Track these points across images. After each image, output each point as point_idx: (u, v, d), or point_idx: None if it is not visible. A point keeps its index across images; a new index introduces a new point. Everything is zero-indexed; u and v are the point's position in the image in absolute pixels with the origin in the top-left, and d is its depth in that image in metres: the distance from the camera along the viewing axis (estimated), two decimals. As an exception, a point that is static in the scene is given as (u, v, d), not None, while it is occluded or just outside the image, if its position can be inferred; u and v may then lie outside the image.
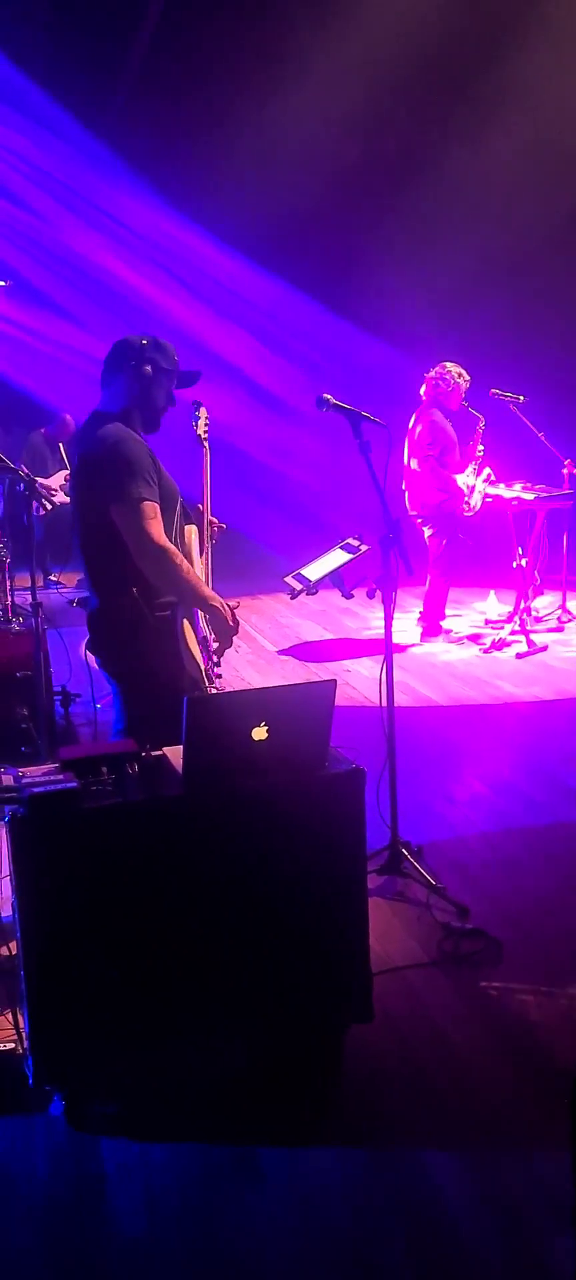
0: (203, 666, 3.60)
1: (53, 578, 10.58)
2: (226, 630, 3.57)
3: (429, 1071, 3.04)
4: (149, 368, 3.57)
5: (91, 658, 3.74)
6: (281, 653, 8.00)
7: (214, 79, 10.30)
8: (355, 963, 2.97)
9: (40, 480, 9.89)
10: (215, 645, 3.66)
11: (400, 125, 10.78)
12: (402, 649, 7.69)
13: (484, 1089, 2.97)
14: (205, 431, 3.93)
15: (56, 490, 10.44)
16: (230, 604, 3.58)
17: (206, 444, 3.90)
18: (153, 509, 3.42)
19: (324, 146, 10.44)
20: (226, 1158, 2.73)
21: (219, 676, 3.72)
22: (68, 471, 10.81)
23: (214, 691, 3.62)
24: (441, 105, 10.43)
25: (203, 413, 3.98)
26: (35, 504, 5.20)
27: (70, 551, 10.86)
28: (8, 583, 6.18)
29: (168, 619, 3.53)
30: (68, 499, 10.42)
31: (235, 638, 3.65)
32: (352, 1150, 2.76)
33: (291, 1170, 2.69)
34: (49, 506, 5.94)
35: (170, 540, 3.53)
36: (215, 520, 3.92)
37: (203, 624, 3.66)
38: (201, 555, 3.81)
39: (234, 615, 3.58)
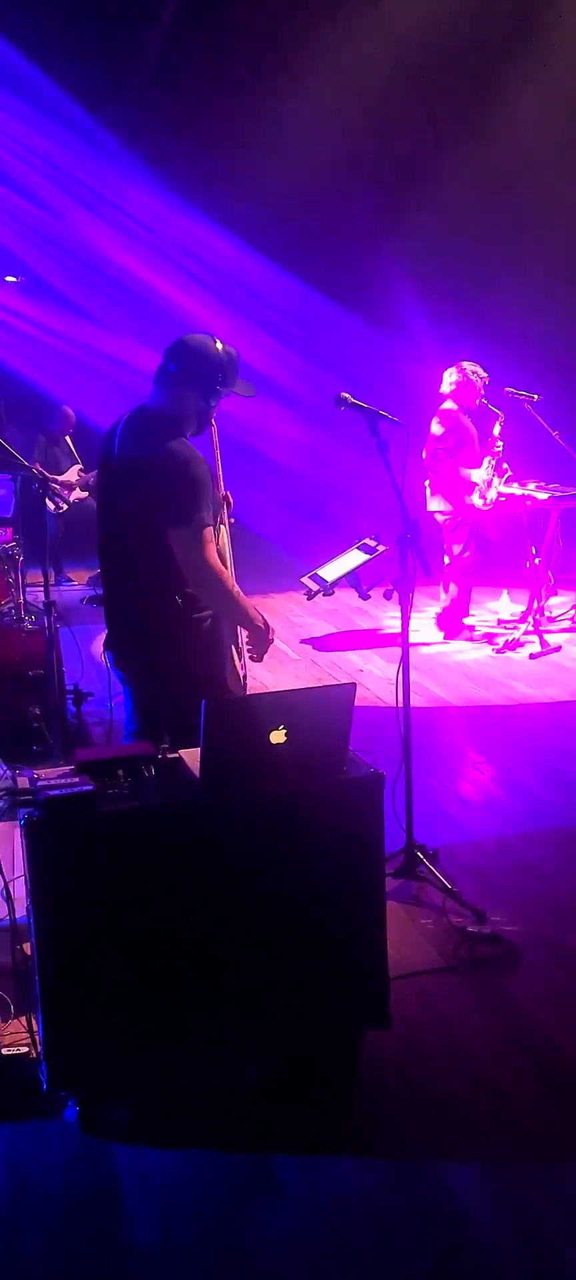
0: (242, 676, 3.58)
1: (67, 576, 10.57)
2: (264, 644, 3.56)
3: (447, 1079, 3.01)
4: (220, 386, 3.49)
5: (106, 656, 3.70)
6: (303, 642, 7.98)
7: (228, 73, 10.27)
8: (372, 968, 2.94)
9: (56, 479, 9.90)
10: (248, 652, 3.65)
11: (416, 120, 10.73)
12: (415, 648, 7.65)
13: (503, 1097, 2.93)
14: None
15: (73, 487, 10.43)
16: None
17: (213, 421, 3.81)
18: (211, 534, 3.40)
19: (338, 141, 10.39)
20: (243, 1165, 2.70)
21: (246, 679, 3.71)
22: (80, 465, 10.79)
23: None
24: (457, 99, 10.39)
25: None
26: (50, 503, 5.18)
27: (86, 550, 10.84)
28: (21, 581, 6.17)
29: (207, 627, 3.49)
30: (84, 495, 10.49)
31: None
32: (370, 1160, 2.72)
33: (308, 1179, 2.66)
34: (65, 506, 5.92)
35: (216, 547, 3.51)
36: (227, 494, 3.85)
37: (240, 634, 3.65)
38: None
39: (270, 629, 3.57)
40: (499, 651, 7.58)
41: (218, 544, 3.64)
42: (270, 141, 10.23)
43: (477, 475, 7.81)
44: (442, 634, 8.07)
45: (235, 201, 10.81)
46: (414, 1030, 3.19)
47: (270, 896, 2.81)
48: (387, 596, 8.77)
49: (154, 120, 10.59)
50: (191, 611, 3.44)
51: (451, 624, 8.08)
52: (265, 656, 3.64)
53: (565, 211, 10.26)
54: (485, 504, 7.80)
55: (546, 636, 7.62)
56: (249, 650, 3.64)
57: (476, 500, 7.79)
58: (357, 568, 8.55)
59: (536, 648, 7.49)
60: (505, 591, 8.71)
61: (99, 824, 2.68)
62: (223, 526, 3.74)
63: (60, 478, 10.15)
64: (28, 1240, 2.51)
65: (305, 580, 8.73)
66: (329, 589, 8.59)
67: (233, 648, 3.60)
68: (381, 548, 8.37)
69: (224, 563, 3.62)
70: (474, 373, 7.88)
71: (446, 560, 8.08)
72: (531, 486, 7.90)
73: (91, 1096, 2.80)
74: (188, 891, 2.76)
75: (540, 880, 4.19)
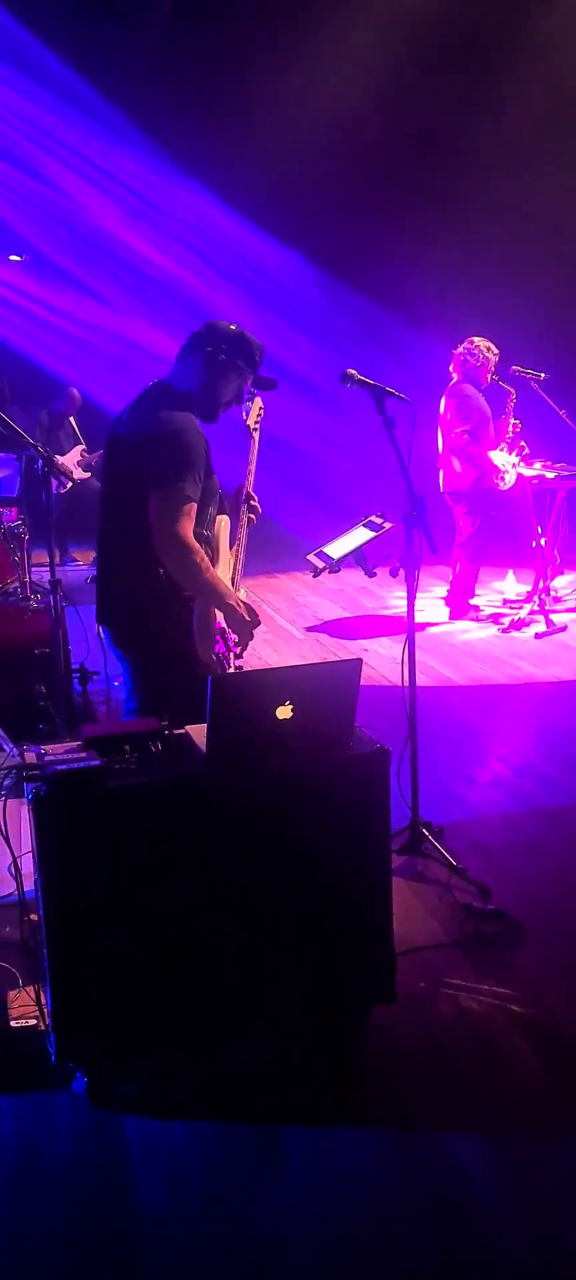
0: (217, 654, 3.55)
1: (72, 556, 10.57)
2: (244, 626, 3.55)
3: (453, 1053, 3.02)
4: (224, 358, 3.50)
5: (102, 631, 3.72)
6: (309, 630, 7.98)
7: (234, 49, 10.20)
8: (379, 944, 2.95)
9: (59, 458, 9.89)
10: (235, 639, 3.62)
11: (423, 97, 10.65)
12: (421, 628, 7.65)
13: (509, 1072, 2.95)
14: (257, 423, 3.84)
15: (75, 467, 10.42)
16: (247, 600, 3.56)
17: (256, 435, 3.82)
18: (191, 508, 3.39)
19: (346, 119, 10.32)
20: (249, 1138, 2.72)
21: (239, 669, 3.67)
22: (83, 446, 10.78)
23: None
24: (464, 76, 10.31)
25: (257, 403, 3.87)
26: (55, 482, 5.18)
27: (91, 530, 10.85)
28: (26, 560, 6.17)
29: (189, 601, 3.50)
30: (87, 475, 10.48)
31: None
32: (377, 1131, 2.74)
33: (315, 1152, 2.68)
34: (69, 484, 5.93)
35: (201, 531, 3.49)
36: (254, 496, 3.85)
37: (221, 617, 3.63)
38: (232, 546, 3.76)
39: (251, 610, 3.55)
40: (504, 631, 7.57)
41: (211, 533, 3.62)
42: (275, 118, 10.16)
43: (499, 459, 7.76)
44: (448, 612, 8.07)
45: (241, 179, 10.74)
46: (419, 1006, 3.21)
47: (277, 872, 2.82)
48: (394, 574, 8.79)
49: (160, 96, 10.52)
50: (175, 586, 3.45)
51: (457, 603, 8.08)
52: (251, 643, 3.63)
53: (573, 187, 10.19)
54: (503, 485, 7.76)
55: (552, 616, 7.61)
56: (231, 636, 3.61)
57: (498, 483, 7.75)
58: (364, 545, 8.54)
59: (542, 627, 7.49)
60: (511, 571, 8.70)
61: (106, 799, 2.69)
62: (221, 520, 3.72)
63: (62, 459, 10.14)
64: (37, 1209, 2.53)
65: (311, 558, 8.72)
66: (335, 566, 8.58)
67: (210, 626, 3.55)
68: (388, 525, 8.36)
69: (213, 554, 3.60)
70: (488, 349, 7.81)
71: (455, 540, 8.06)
72: (538, 466, 7.87)
73: (99, 1069, 2.82)
74: (194, 866, 2.77)
75: (545, 858, 4.20)
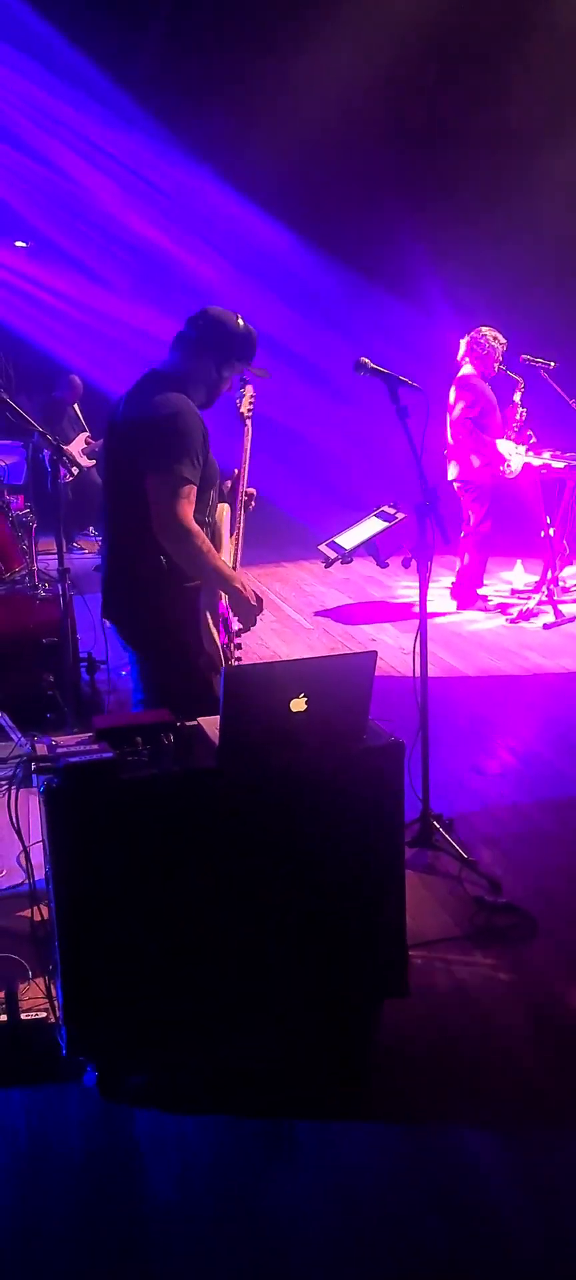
0: (219, 643, 3.51)
1: (77, 545, 10.56)
2: (248, 611, 3.50)
3: (464, 1048, 3.01)
4: (220, 345, 3.48)
5: (107, 624, 3.70)
6: (317, 615, 7.97)
7: (242, 33, 10.13)
8: (391, 937, 2.93)
9: (65, 446, 9.85)
10: (237, 626, 3.58)
11: (431, 85, 10.59)
12: (429, 618, 7.62)
13: (520, 1067, 2.93)
14: (250, 410, 3.81)
15: (79, 455, 10.39)
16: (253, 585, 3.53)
17: (249, 422, 3.80)
18: (189, 491, 3.35)
19: (357, 105, 10.25)
20: (260, 1131, 2.71)
21: (238, 659, 3.63)
22: (88, 434, 10.74)
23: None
24: (472, 63, 10.24)
25: (248, 390, 3.84)
26: (62, 470, 5.15)
27: (96, 518, 10.82)
28: (34, 549, 6.16)
29: (190, 591, 3.46)
30: (91, 463, 10.45)
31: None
32: (387, 1126, 2.73)
33: (325, 1145, 2.67)
34: (75, 472, 5.91)
35: (203, 518, 3.47)
36: (251, 491, 3.84)
37: (224, 601, 3.60)
38: (232, 534, 3.73)
39: (256, 596, 3.52)
40: (512, 622, 7.54)
41: (213, 520, 3.59)
42: (285, 103, 10.10)
43: (505, 448, 7.73)
44: (455, 603, 8.04)
45: (248, 164, 10.68)
46: (430, 999, 3.19)
47: (288, 866, 2.81)
48: (406, 565, 8.75)
49: (166, 80, 10.46)
50: (178, 574, 3.42)
51: (465, 594, 8.05)
52: (255, 630, 3.60)
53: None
54: (509, 473, 7.73)
55: (560, 606, 7.58)
56: (235, 619, 3.57)
57: (504, 470, 7.72)
58: (376, 535, 8.49)
59: (550, 618, 7.46)
60: (519, 561, 8.66)
61: (119, 791, 2.67)
62: (223, 507, 3.69)
63: (67, 447, 10.11)
64: (47, 1202, 2.53)
65: (323, 548, 8.69)
66: (347, 557, 8.54)
67: (212, 615, 3.51)
68: (400, 515, 8.31)
69: (216, 541, 3.57)
70: (495, 338, 7.78)
71: (462, 533, 8.03)
72: (547, 455, 7.82)
73: (110, 1062, 2.81)
74: (206, 859, 2.75)
75: (556, 850, 4.18)
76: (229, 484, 3.78)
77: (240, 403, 3.83)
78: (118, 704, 5.91)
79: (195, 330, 3.50)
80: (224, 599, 3.55)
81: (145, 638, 3.55)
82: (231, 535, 3.73)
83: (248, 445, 3.79)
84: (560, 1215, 2.45)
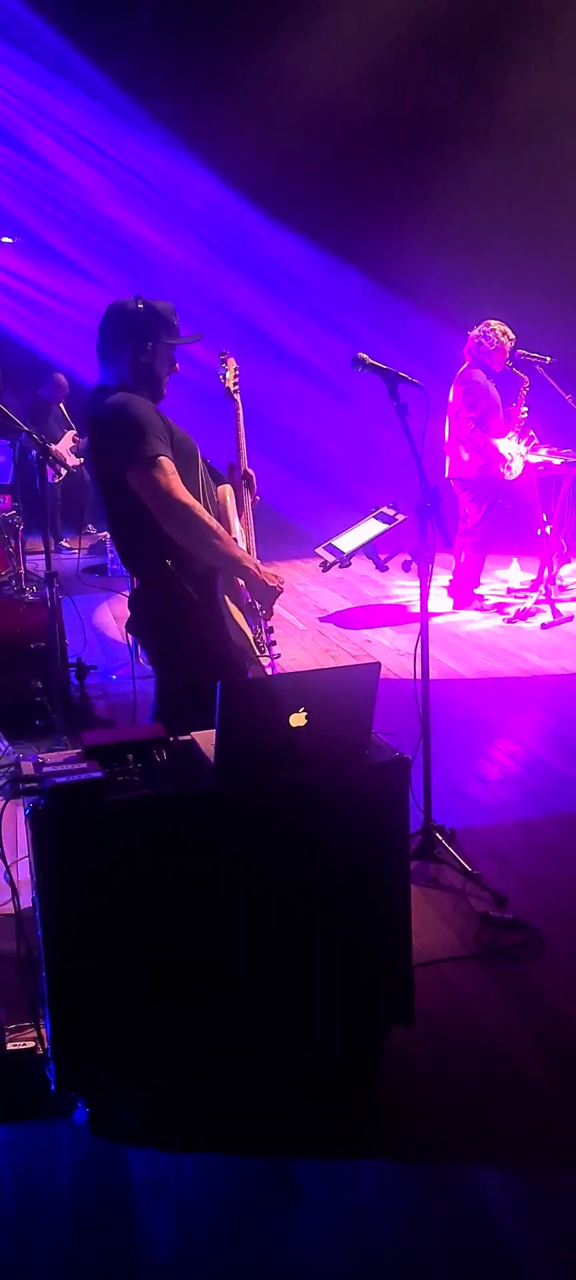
0: (251, 635, 3.37)
1: (65, 544, 10.41)
2: (266, 593, 3.38)
3: (473, 1076, 2.87)
4: (149, 343, 3.34)
5: (131, 639, 3.61)
6: (322, 620, 7.83)
7: (232, 25, 9.98)
8: (396, 962, 2.79)
9: (53, 446, 9.70)
10: (262, 610, 3.44)
11: (424, 77, 10.45)
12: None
13: (532, 1095, 2.79)
14: (235, 383, 3.64)
15: (68, 454, 10.23)
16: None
17: (237, 397, 3.64)
18: (169, 465, 3.22)
19: (348, 98, 10.12)
20: (260, 1171, 2.57)
21: (273, 644, 3.48)
22: (75, 432, 10.60)
23: (266, 662, 3.38)
24: (466, 55, 10.12)
25: (230, 363, 3.66)
26: (50, 471, 5.00)
27: (83, 517, 10.67)
28: (21, 550, 6.01)
29: (207, 588, 3.33)
30: (79, 461, 10.29)
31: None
32: (394, 1164, 2.59)
33: (330, 1185, 2.53)
34: (64, 472, 5.76)
35: (198, 497, 3.33)
36: (251, 473, 3.67)
37: (247, 590, 3.44)
38: (241, 516, 3.59)
39: (275, 576, 3.40)
40: (510, 621, 7.42)
41: (209, 498, 3.46)
42: (277, 96, 9.94)
43: (505, 447, 7.59)
44: (452, 602, 7.92)
45: (240, 158, 10.51)
46: (437, 1024, 3.05)
47: (289, 888, 2.66)
48: (406, 568, 8.61)
49: (155, 71, 10.30)
50: (187, 574, 3.29)
51: (461, 593, 7.92)
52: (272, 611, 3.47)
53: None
54: (509, 474, 7.60)
55: (558, 605, 7.45)
56: (258, 605, 3.44)
57: (504, 471, 7.58)
58: (375, 538, 8.34)
59: (548, 617, 7.34)
60: (515, 560, 8.54)
61: (108, 812, 2.52)
62: (226, 489, 3.54)
63: (55, 446, 9.95)
64: (35, 1251, 2.38)
65: (320, 551, 8.54)
66: (346, 560, 8.39)
67: (237, 607, 3.36)
68: (400, 517, 8.16)
69: (224, 524, 3.43)
70: (504, 334, 7.60)
71: (460, 531, 7.90)
72: (543, 452, 7.70)
73: (102, 1097, 2.66)
74: (202, 883, 2.60)
75: (560, 861, 4.05)
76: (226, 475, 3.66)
77: (224, 378, 3.66)
78: (109, 709, 5.78)
79: (117, 335, 3.38)
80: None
81: (171, 649, 3.41)
82: (240, 518, 3.57)
83: (240, 424, 3.64)
84: (578, 1258, 2.32)
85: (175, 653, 3.39)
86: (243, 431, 3.64)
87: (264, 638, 3.44)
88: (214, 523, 3.30)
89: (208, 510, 3.35)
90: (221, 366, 3.67)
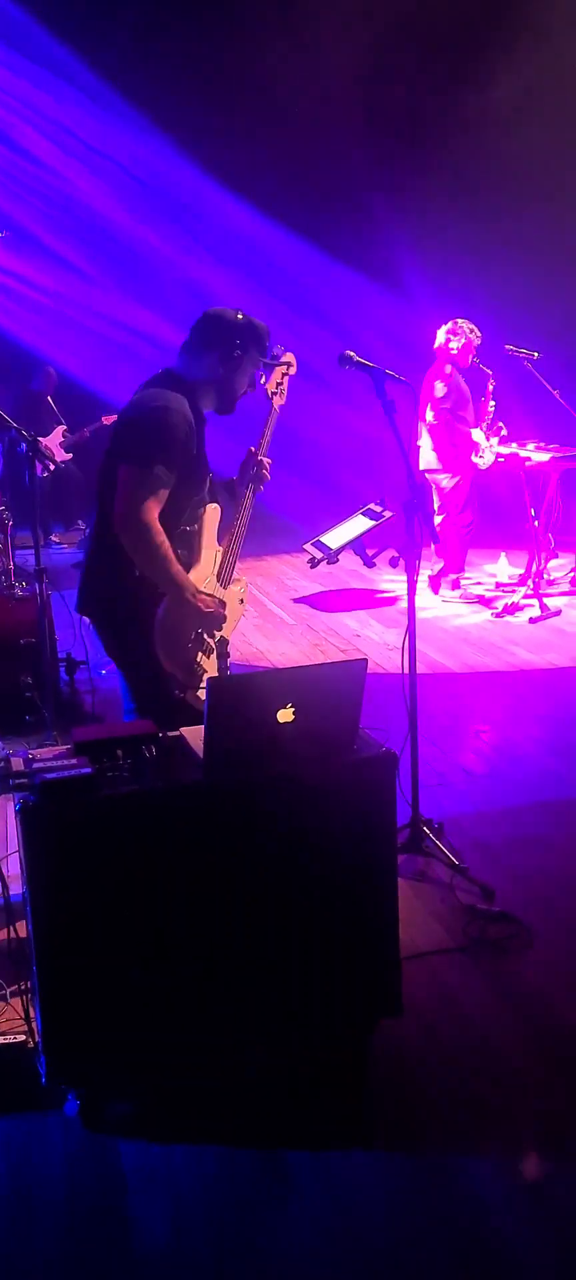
0: (194, 663, 3.32)
1: (54, 539, 10.39)
2: (206, 620, 3.32)
3: (462, 1067, 2.90)
4: (239, 351, 3.36)
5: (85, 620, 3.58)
6: (296, 601, 7.86)
7: (223, 22, 9.97)
8: (384, 956, 2.82)
9: (42, 441, 9.69)
10: (205, 635, 3.38)
11: (411, 72, 10.45)
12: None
13: (521, 1086, 2.83)
14: (276, 390, 3.65)
15: (57, 449, 10.22)
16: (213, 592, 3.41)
17: (275, 402, 3.64)
18: (159, 490, 3.22)
19: (334, 94, 10.12)
20: (252, 1162, 2.59)
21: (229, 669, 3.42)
22: (64, 427, 10.58)
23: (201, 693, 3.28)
24: (452, 50, 10.13)
25: (276, 371, 3.68)
26: (39, 465, 5.00)
27: (73, 512, 10.65)
28: (10, 545, 6.00)
29: (152, 602, 3.31)
30: (69, 456, 10.29)
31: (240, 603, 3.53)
32: (387, 1153, 2.62)
33: (321, 1175, 2.56)
34: (52, 467, 5.76)
35: (175, 527, 3.33)
36: (266, 460, 3.63)
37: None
38: (225, 538, 3.56)
39: (215, 602, 3.35)
40: (498, 615, 7.46)
41: (192, 528, 3.44)
42: (267, 92, 9.94)
43: (478, 436, 7.71)
44: (431, 591, 8.02)
45: (231, 154, 10.51)
46: (425, 1016, 3.08)
47: (277, 882, 2.69)
48: (394, 565, 8.65)
49: (142, 67, 10.27)
50: (149, 588, 3.29)
51: (437, 580, 8.05)
52: (230, 631, 3.47)
53: (565, 167, 10.04)
54: (483, 463, 7.70)
55: (546, 600, 7.50)
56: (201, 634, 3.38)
57: (477, 460, 7.70)
58: (363, 534, 8.38)
59: (536, 612, 7.38)
60: (503, 554, 8.58)
61: (98, 808, 2.54)
62: (213, 508, 3.54)
63: (45, 440, 9.94)
64: (27, 1243, 2.40)
65: (308, 547, 8.56)
66: (333, 557, 8.42)
67: (180, 633, 3.32)
68: (387, 513, 8.20)
69: (191, 550, 3.41)
70: (471, 330, 7.77)
71: (438, 520, 7.93)
72: (531, 447, 7.75)
73: (93, 1089, 2.68)
74: (191, 877, 2.63)
75: (547, 853, 4.09)
76: (240, 467, 3.66)
77: (267, 383, 3.66)
78: (99, 704, 5.78)
79: (210, 338, 3.39)
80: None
81: (122, 646, 3.43)
82: (224, 538, 3.57)
83: (271, 425, 3.64)
84: (570, 1247, 2.35)
85: (122, 655, 3.40)
86: (270, 433, 3.63)
87: (202, 670, 3.35)
88: (164, 549, 3.24)
89: (181, 541, 3.35)
90: (268, 373, 3.63)
